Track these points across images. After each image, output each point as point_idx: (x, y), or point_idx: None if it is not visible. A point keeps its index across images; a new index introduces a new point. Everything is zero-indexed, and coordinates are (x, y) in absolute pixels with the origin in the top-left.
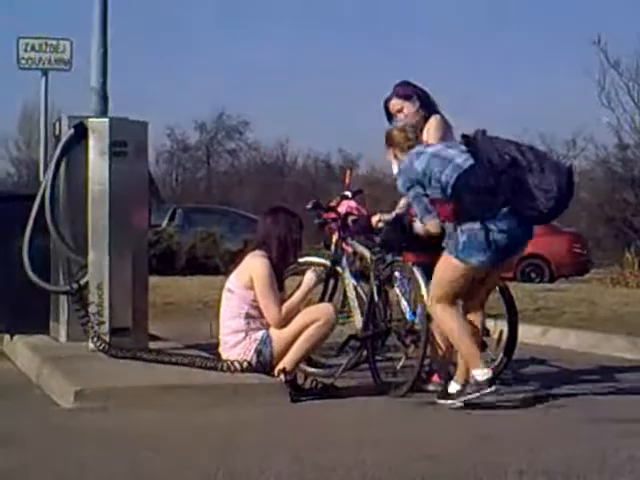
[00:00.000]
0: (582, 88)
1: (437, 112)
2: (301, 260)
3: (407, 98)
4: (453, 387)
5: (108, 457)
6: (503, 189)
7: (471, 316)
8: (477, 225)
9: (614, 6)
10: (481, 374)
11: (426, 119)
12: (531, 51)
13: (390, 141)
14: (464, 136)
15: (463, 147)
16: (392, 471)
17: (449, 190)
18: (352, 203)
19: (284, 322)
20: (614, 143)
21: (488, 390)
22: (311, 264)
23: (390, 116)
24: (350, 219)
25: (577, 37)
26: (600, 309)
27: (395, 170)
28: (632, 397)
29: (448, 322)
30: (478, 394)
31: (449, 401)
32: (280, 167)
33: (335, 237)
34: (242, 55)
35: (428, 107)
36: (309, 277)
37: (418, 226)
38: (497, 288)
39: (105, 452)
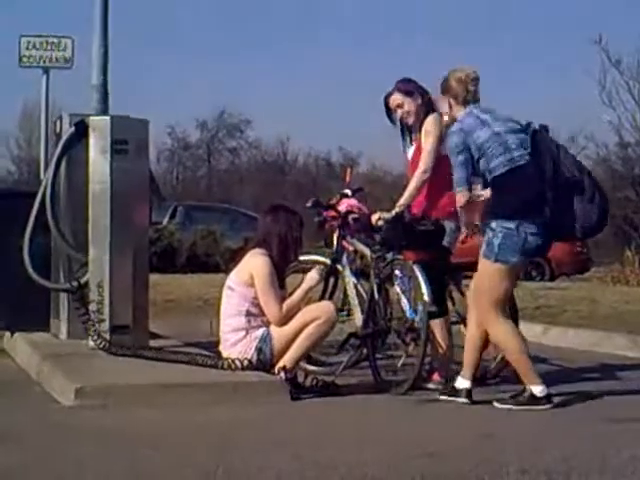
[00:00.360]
0: (583, 86)
1: (435, 110)
2: (302, 258)
3: (409, 94)
4: (460, 383)
5: (107, 455)
6: (550, 199)
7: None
8: (512, 224)
9: (615, 5)
10: (539, 390)
11: (425, 118)
12: (531, 50)
13: (447, 88)
14: (538, 128)
15: (523, 137)
16: (392, 469)
17: (489, 177)
18: (353, 201)
19: (285, 320)
20: (615, 141)
21: (542, 407)
22: (312, 262)
23: (389, 112)
24: (351, 217)
25: (578, 36)
26: (601, 307)
27: (446, 118)
28: (633, 396)
29: (506, 340)
30: (531, 407)
31: (456, 398)
32: (281, 165)
33: (335, 235)
34: (243, 53)
35: (427, 106)
36: (311, 276)
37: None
38: None
39: (104, 450)
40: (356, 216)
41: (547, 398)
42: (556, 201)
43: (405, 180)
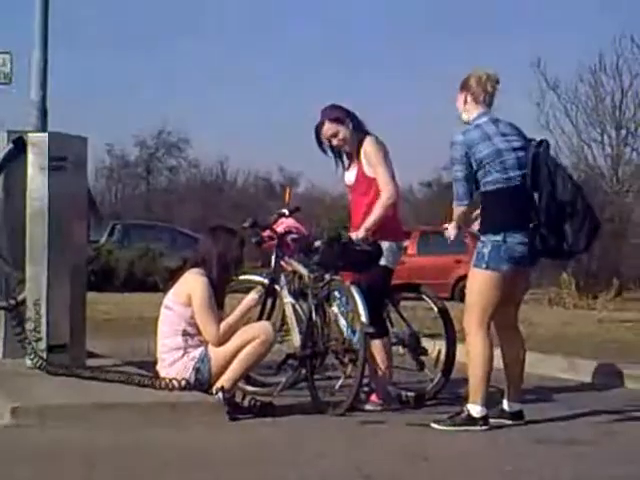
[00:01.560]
0: (521, 110)
1: (368, 133)
2: (240, 278)
3: (340, 122)
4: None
5: (42, 475)
6: (541, 217)
7: (511, 342)
8: (499, 237)
9: (552, 28)
10: (477, 411)
11: (360, 141)
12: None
13: (466, 86)
14: (540, 146)
15: (522, 156)
16: None
17: (482, 191)
18: (290, 221)
19: (222, 340)
20: None
21: (479, 428)
22: (249, 282)
23: (321, 142)
24: (289, 238)
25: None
26: (538, 329)
27: (464, 118)
28: (568, 417)
29: (478, 353)
30: (468, 428)
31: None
32: (220, 185)
33: (273, 256)
34: (181, 71)
35: (360, 128)
36: (250, 297)
37: None
38: (436, 308)
39: (40, 470)
40: (295, 236)
41: (484, 419)
42: (547, 221)
43: (348, 204)
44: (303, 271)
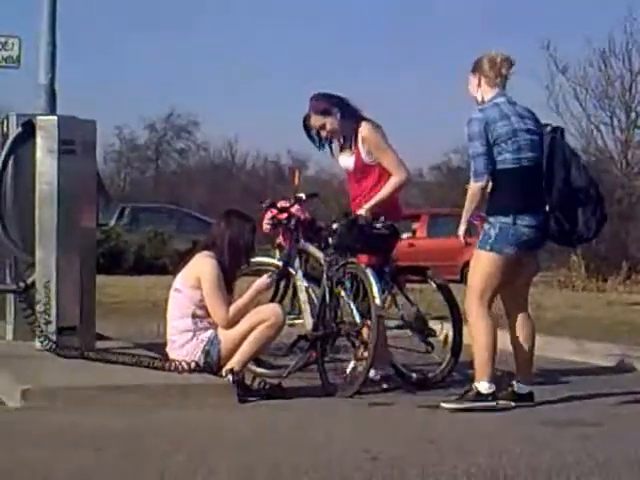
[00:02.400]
0: (530, 93)
1: (363, 118)
2: (253, 260)
3: (326, 113)
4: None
5: (53, 457)
6: (554, 202)
7: (520, 324)
8: (509, 219)
9: (562, 10)
10: (485, 387)
11: (355, 127)
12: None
13: (478, 68)
14: (556, 132)
15: (537, 139)
16: (336, 472)
17: (495, 169)
18: (296, 207)
19: (231, 323)
20: None
21: (489, 403)
22: (263, 264)
23: (309, 132)
24: (292, 223)
25: (526, 42)
26: (547, 312)
27: (479, 98)
28: (578, 399)
29: (481, 333)
30: (478, 404)
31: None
32: (229, 167)
33: (288, 238)
34: (191, 54)
35: (352, 114)
36: (261, 281)
37: None
38: (441, 290)
39: (50, 452)
40: (309, 219)
41: (493, 395)
42: (561, 206)
43: (347, 187)
44: (318, 254)
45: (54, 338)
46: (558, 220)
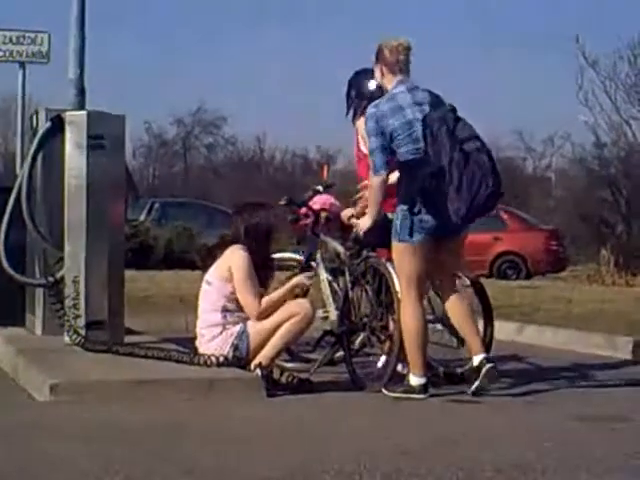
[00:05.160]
0: (560, 87)
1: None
2: (276, 256)
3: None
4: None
5: (82, 451)
6: (426, 187)
7: (452, 302)
8: (405, 207)
9: (593, 5)
10: (415, 380)
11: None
12: (510, 48)
13: (380, 57)
14: (452, 108)
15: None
16: (365, 466)
17: (397, 162)
18: (325, 197)
19: (262, 315)
20: (591, 142)
21: (419, 396)
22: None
23: (350, 91)
24: (323, 215)
25: (556, 36)
26: (576, 306)
27: (385, 87)
28: (607, 394)
29: (408, 321)
30: (407, 395)
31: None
32: (257, 162)
33: (309, 233)
34: (219, 49)
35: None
36: (301, 278)
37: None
38: (474, 286)
39: (79, 446)
40: (329, 217)
41: (423, 388)
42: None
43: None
44: (339, 248)
45: (83, 333)
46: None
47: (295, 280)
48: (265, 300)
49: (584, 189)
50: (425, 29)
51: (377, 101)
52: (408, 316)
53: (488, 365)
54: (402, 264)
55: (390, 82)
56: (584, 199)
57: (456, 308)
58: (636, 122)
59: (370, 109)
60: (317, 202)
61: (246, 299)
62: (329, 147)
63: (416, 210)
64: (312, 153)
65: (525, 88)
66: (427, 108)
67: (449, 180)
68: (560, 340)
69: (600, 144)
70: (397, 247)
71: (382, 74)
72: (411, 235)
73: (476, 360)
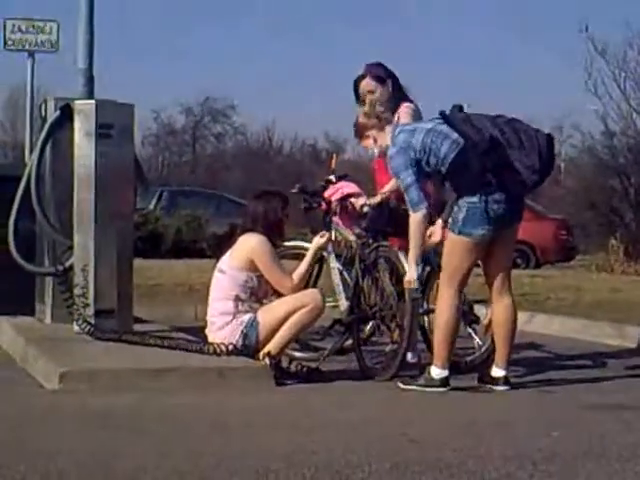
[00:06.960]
0: (569, 75)
1: (408, 99)
2: (287, 244)
3: (380, 81)
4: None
5: (91, 439)
6: (489, 167)
7: (499, 306)
8: (475, 199)
9: None
10: (437, 373)
11: (397, 106)
12: (519, 36)
13: (362, 130)
14: (441, 113)
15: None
16: (374, 455)
17: (446, 165)
18: (345, 183)
19: (298, 289)
20: (600, 130)
21: (439, 389)
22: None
23: (358, 95)
24: (334, 205)
25: (565, 24)
26: (585, 295)
27: (376, 153)
28: (616, 383)
29: (444, 317)
30: (428, 389)
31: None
32: (266, 151)
33: (321, 221)
34: (227, 37)
35: (400, 93)
36: (318, 243)
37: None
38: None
39: (88, 434)
40: (343, 205)
41: (443, 381)
42: (496, 165)
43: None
44: (350, 237)
45: (92, 321)
46: (504, 179)
47: (314, 244)
48: (296, 275)
49: (593, 178)
50: (427, 20)
51: (390, 139)
52: (445, 307)
53: (503, 387)
54: (452, 257)
55: (388, 134)
56: (593, 188)
57: (503, 316)
58: None
59: (390, 151)
60: (340, 189)
61: (279, 280)
62: (338, 136)
63: (488, 192)
64: (321, 142)
65: (534, 75)
66: (435, 120)
67: (507, 144)
68: (569, 329)
69: (609, 133)
70: (453, 239)
71: (374, 140)
72: (476, 229)
73: (496, 372)
